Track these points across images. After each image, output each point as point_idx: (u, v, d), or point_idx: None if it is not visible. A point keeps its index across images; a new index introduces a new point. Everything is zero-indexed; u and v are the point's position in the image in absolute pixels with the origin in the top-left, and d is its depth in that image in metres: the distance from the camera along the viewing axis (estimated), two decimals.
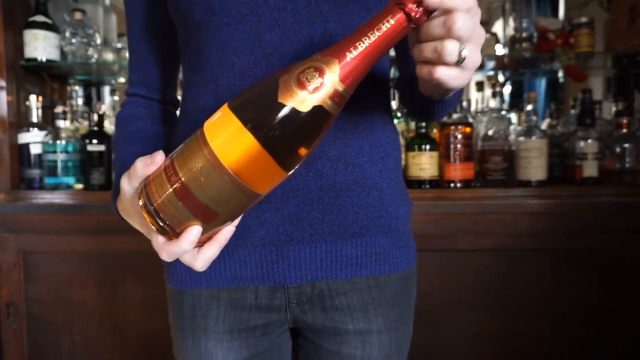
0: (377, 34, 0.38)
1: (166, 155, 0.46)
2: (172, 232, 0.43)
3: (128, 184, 0.48)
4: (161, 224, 0.43)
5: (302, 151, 0.40)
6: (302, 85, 0.38)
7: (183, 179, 0.40)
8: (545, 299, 1.23)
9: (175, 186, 0.41)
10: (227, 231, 0.46)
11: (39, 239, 1.29)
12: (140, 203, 0.44)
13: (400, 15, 0.37)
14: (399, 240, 0.62)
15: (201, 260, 0.46)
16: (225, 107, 0.41)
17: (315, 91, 0.38)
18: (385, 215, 0.60)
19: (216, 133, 0.40)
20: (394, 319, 0.62)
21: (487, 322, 1.25)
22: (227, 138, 0.39)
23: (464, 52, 0.39)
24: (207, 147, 0.39)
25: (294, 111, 0.37)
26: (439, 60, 0.39)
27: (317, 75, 0.38)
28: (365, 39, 0.38)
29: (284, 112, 0.37)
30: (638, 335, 1.23)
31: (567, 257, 1.23)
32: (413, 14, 0.37)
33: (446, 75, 0.40)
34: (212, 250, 0.46)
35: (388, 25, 0.37)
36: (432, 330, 1.25)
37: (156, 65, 0.68)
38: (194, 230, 0.43)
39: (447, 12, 0.38)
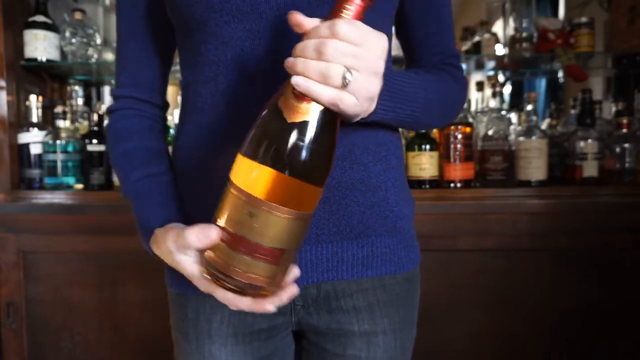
0: None
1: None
2: (248, 287, 0.44)
3: (176, 249, 0.49)
4: (233, 285, 0.44)
5: (325, 161, 0.42)
6: (301, 99, 0.41)
7: (238, 234, 0.42)
8: (544, 299, 1.23)
9: (234, 245, 0.42)
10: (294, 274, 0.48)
11: (39, 239, 1.29)
12: (206, 274, 0.45)
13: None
14: (404, 240, 0.62)
15: (286, 298, 0.47)
16: (239, 155, 0.43)
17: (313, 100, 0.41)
18: (390, 215, 0.60)
19: (240, 175, 0.42)
20: (398, 320, 0.62)
21: (487, 322, 1.25)
22: (254, 176, 0.41)
23: (348, 75, 0.41)
24: (242, 192, 0.41)
25: (304, 123, 0.40)
26: (324, 82, 0.41)
27: None
28: None
29: (297, 129, 0.40)
30: (637, 335, 1.23)
31: (567, 257, 1.23)
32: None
33: (338, 98, 0.41)
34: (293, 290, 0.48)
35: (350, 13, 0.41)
36: (432, 329, 1.25)
37: (148, 65, 0.65)
38: (277, 278, 0.44)
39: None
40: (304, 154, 0.40)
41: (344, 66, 0.40)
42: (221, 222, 0.43)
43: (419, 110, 0.56)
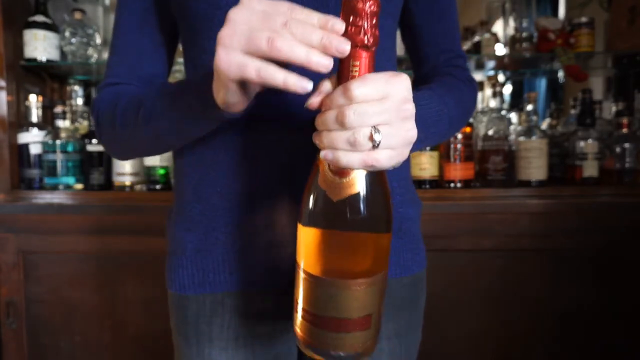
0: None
1: None
2: (349, 357, 0.44)
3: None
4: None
5: (385, 207, 0.42)
6: (340, 173, 0.40)
7: (327, 315, 0.42)
8: (544, 298, 1.23)
9: (324, 325, 0.42)
10: None
11: (39, 239, 1.29)
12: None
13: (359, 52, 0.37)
14: (410, 242, 0.61)
15: None
16: (306, 244, 0.43)
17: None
18: (395, 216, 0.58)
19: (310, 263, 0.42)
20: (404, 324, 0.61)
21: (487, 322, 1.25)
22: (325, 259, 0.42)
23: (377, 136, 0.38)
24: (317, 278, 0.42)
25: (353, 196, 0.40)
26: (353, 149, 0.38)
27: None
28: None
29: (348, 204, 0.40)
30: (638, 335, 1.23)
31: (567, 257, 1.23)
32: (367, 42, 0.37)
33: (372, 159, 0.39)
34: None
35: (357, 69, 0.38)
36: (432, 329, 1.24)
37: (150, 59, 0.62)
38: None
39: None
40: (364, 215, 0.40)
41: (371, 126, 0.38)
42: (305, 306, 0.43)
43: (446, 129, 0.56)
